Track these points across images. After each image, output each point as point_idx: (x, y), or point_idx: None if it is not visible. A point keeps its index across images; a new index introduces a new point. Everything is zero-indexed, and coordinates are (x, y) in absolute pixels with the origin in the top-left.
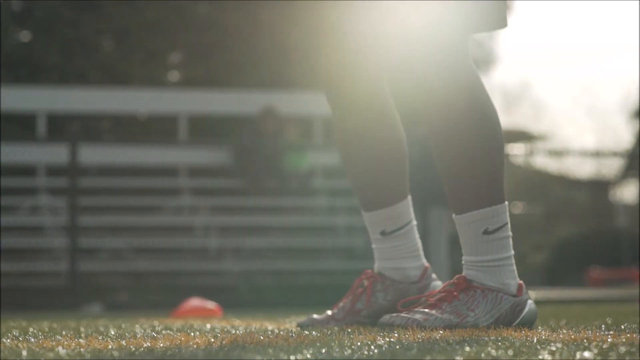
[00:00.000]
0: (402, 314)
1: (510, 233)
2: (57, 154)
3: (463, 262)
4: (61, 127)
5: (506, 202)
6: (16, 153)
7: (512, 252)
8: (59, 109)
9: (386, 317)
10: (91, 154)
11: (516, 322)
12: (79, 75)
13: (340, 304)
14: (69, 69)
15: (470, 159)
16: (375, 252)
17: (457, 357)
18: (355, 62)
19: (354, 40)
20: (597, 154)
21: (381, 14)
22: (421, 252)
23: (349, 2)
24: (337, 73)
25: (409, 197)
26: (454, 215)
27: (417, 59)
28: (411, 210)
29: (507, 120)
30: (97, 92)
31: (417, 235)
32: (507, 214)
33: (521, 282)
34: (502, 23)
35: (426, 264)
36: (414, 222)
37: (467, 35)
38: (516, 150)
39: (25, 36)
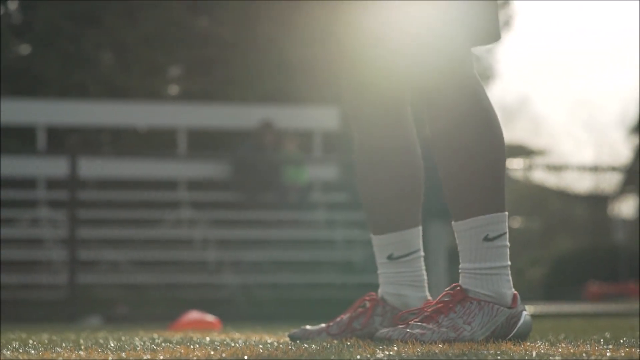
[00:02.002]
0: (399, 328)
1: (508, 243)
2: (56, 166)
3: (460, 269)
4: (61, 140)
5: (506, 212)
6: (16, 166)
7: (509, 262)
8: (59, 122)
9: (383, 332)
10: (91, 167)
11: (512, 334)
12: (79, 88)
13: (338, 319)
14: (68, 82)
15: (474, 164)
16: (380, 277)
17: None
18: (378, 84)
19: (371, 60)
20: (595, 169)
21: (386, 28)
22: (425, 285)
23: (351, 16)
24: (360, 95)
25: (420, 227)
26: (454, 222)
27: (423, 67)
28: (420, 240)
29: (505, 135)
30: (97, 105)
31: (423, 267)
32: (507, 223)
33: (516, 292)
34: (497, 36)
35: (429, 297)
36: (422, 253)
37: (471, 45)
38: (515, 165)
39: (25, 49)
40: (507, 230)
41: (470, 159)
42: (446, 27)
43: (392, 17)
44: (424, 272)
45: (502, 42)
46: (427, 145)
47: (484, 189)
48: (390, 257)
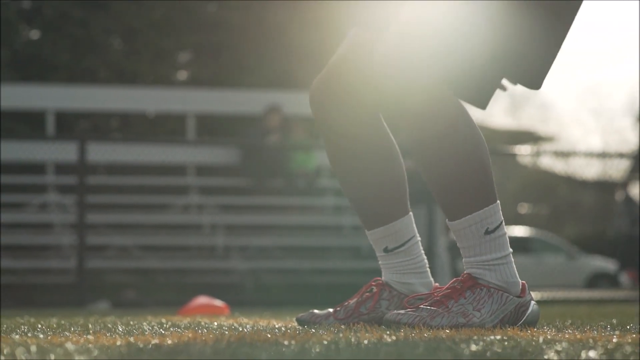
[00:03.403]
0: (409, 311)
1: (506, 230)
2: (65, 152)
3: (464, 263)
4: (70, 125)
5: (498, 201)
6: (25, 151)
7: (511, 250)
8: (68, 108)
9: (393, 314)
10: (100, 152)
11: (520, 323)
12: (88, 73)
13: (345, 304)
14: (78, 67)
15: (462, 165)
16: (382, 267)
17: (464, 356)
18: (350, 82)
19: (343, 67)
20: (603, 156)
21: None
22: (427, 269)
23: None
24: (326, 99)
25: (411, 214)
26: (450, 222)
27: (397, 84)
28: (413, 226)
29: (514, 121)
30: (106, 90)
31: (421, 251)
32: (501, 212)
33: (524, 282)
34: (536, 84)
35: (434, 283)
36: (418, 238)
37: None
38: (523, 151)
39: (34, 34)
40: (502, 218)
41: (457, 162)
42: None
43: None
44: (424, 257)
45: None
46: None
47: (475, 186)
48: (386, 250)
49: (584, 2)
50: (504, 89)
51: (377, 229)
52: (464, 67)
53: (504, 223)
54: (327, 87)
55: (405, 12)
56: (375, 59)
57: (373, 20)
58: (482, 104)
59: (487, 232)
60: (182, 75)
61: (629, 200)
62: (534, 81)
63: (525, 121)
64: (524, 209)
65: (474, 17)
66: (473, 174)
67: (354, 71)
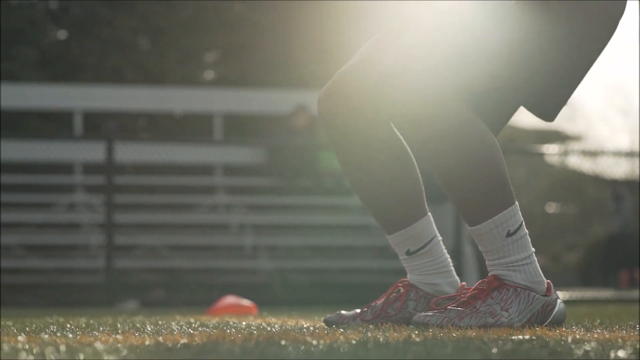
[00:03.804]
0: (436, 313)
1: (526, 230)
2: (93, 151)
3: (488, 266)
4: (98, 125)
5: (516, 202)
6: (53, 151)
7: (533, 249)
8: (96, 107)
9: (420, 316)
10: (127, 152)
11: (547, 322)
12: (115, 73)
13: (372, 304)
14: (105, 67)
15: (477, 171)
16: (406, 269)
17: (493, 356)
18: (361, 89)
19: (352, 72)
20: (631, 155)
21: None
22: (452, 268)
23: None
24: (334, 107)
25: (429, 214)
26: (470, 227)
27: (405, 100)
28: (434, 226)
29: (541, 121)
30: (133, 90)
31: (444, 251)
32: (520, 212)
33: (549, 281)
34: (549, 117)
35: (460, 282)
36: (439, 238)
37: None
38: (550, 151)
39: (62, 35)
40: (522, 218)
41: (472, 169)
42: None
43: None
44: (447, 256)
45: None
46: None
47: (492, 190)
48: (408, 253)
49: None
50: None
51: (397, 233)
52: (481, 87)
53: (524, 223)
54: (335, 94)
55: (418, 21)
56: (381, 68)
57: (399, 20)
58: (494, 131)
59: (509, 235)
60: (209, 75)
61: (619, 198)
62: (550, 113)
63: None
64: (551, 208)
65: (498, 36)
66: (489, 179)
67: (362, 80)
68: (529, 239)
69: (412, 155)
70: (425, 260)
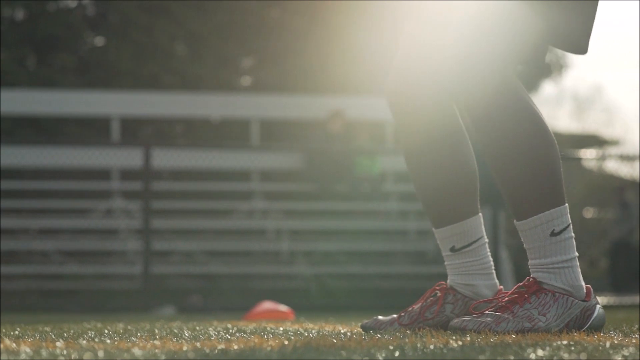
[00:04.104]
0: (474, 317)
1: (573, 234)
2: (131, 157)
3: (530, 266)
4: (135, 131)
5: (567, 204)
6: (91, 157)
7: (577, 253)
8: (133, 114)
9: (458, 321)
10: (164, 158)
11: (586, 327)
12: (152, 79)
13: (409, 309)
14: (142, 73)
15: (530, 164)
16: (447, 268)
17: None
18: (422, 79)
19: (419, 55)
20: None
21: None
22: (493, 271)
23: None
24: (404, 89)
25: (480, 215)
26: (517, 221)
27: (465, 75)
28: (482, 227)
29: (579, 125)
30: (170, 96)
31: (488, 253)
32: (569, 215)
33: (589, 286)
34: (582, 49)
35: (499, 285)
36: (485, 240)
37: (516, 58)
38: (588, 155)
39: (99, 41)
40: (570, 221)
41: (525, 160)
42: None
43: (449, 13)
44: (490, 259)
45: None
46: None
47: (543, 186)
48: (453, 249)
49: None
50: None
51: (445, 227)
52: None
53: (571, 226)
54: (399, 85)
55: (458, 6)
56: (441, 58)
57: (431, 17)
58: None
59: (553, 234)
60: (246, 80)
61: (625, 205)
62: (582, 44)
63: (590, 125)
64: (589, 213)
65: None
66: (543, 175)
67: (424, 68)
68: (574, 243)
69: (474, 154)
70: (468, 260)
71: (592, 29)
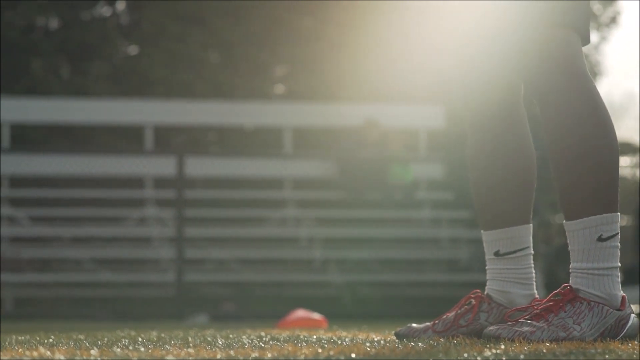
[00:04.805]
0: (508, 325)
1: (619, 244)
2: (164, 166)
3: (571, 269)
4: (168, 139)
5: (619, 213)
6: (124, 165)
7: (619, 264)
8: (166, 122)
9: (492, 329)
10: (197, 166)
11: (620, 336)
12: (185, 88)
13: (443, 317)
14: (175, 81)
15: (588, 162)
16: (488, 273)
17: None
18: (490, 82)
19: (482, 57)
20: None
21: (497, 24)
22: (533, 282)
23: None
24: (473, 92)
25: (531, 225)
26: (566, 221)
27: (535, 66)
28: (530, 238)
29: None
30: (203, 104)
31: (531, 264)
32: (619, 224)
33: (624, 295)
34: (586, 40)
35: (537, 295)
36: (531, 251)
37: (582, 43)
38: (622, 163)
39: (133, 50)
40: (619, 230)
41: (584, 157)
42: (557, 25)
43: (504, 15)
44: (532, 270)
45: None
46: (539, 146)
47: (598, 187)
48: (497, 254)
49: None
50: None
51: (495, 230)
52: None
53: (619, 236)
54: (470, 87)
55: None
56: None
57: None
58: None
59: (600, 239)
60: (279, 88)
61: None
62: (586, 36)
63: (624, 132)
64: (624, 221)
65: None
66: (602, 179)
67: (492, 71)
68: (619, 254)
69: (535, 161)
70: (510, 267)
71: (590, 15)
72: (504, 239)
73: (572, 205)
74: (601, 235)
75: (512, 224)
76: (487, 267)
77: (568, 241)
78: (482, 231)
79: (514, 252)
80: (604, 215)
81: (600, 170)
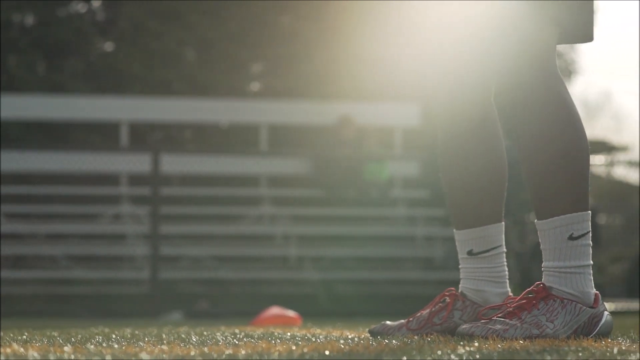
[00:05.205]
0: (482, 323)
1: (591, 242)
2: (139, 163)
3: (543, 268)
4: (144, 136)
5: (590, 211)
6: (99, 162)
7: (592, 262)
8: (142, 119)
9: (466, 327)
10: (173, 164)
11: (593, 334)
12: (162, 85)
13: (418, 314)
14: (152, 79)
15: (559, 162)
16: (461, 272)
17: None
18: (462, 81)
19: (455, 56)
20: None
21: (469, 23)
22: (506, 280)
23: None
24: (447, 88)
25: (503, 223)
26: (537, 220)
27: (506, 65)
28: (502, 236)
29: (587, 131)
30: (180, 102)
31: (504, 262)
32: (590, 222)
33: (597, 292)
34: (588, 37)
35: (510, 293)
36: (504, 249)
37: (557, 43)
38: (596, 161)
39: (108, 46)
40: (590, 229)
41: (555, 157)
42: (530, 24)
43: (476, 14)
44: (505, 268)
45: (593, 42)
46: (511, 145)
47: (569, 187)
48: (470, 253)
49: None
50: None
51: (467, 230)
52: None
53: (590, 234)
54: (441, 87)
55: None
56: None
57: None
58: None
59: (572, 238)
60: (255, 86)
61: None
62: (587, 32)
63: (599, 131)
64: (598, 219)
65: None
66: (573, 178)
67: (463, 71)
68: (590, 251)
69: (506, 162)
70: (483, 266)
71: (594, 13)
72: (477, 238)
73: (543, 205)
74: (572, 234)
75: (485, 223)
76: (460, 266)
77: (540, 240)
78: (454, 230)
79: (487, 250)
80: (575, 214)
81: (570, 169)
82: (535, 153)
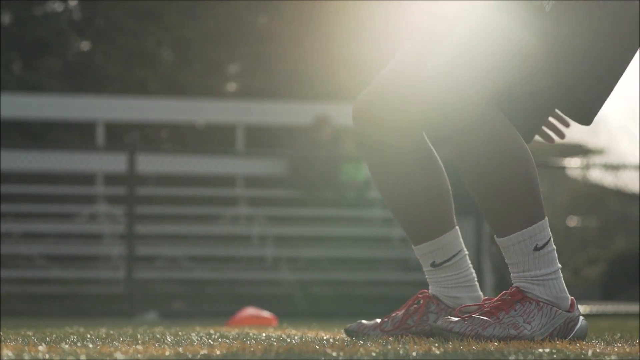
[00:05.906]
0: (461, 320)
1: (554, 246)
2: (115, 162)
3: (512, 278)
4: (120, 136)
5: (546, 217)
6: (75, 161)
7: (560, 265)
8: (118, 119)
9: (445, 321)
10: (149, 163)
11: (568, 338)
12: (139, 85)
13: (392, 315)
14: (129, 78)
15: (508, 182)
16: (429, 281)
17: None
18: (386, 102)
19: (385, 80)
20: None
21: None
22: (476, 283)
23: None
24: (370, 114)
25: (457, 228)
26: (498, 238)
27: (441, 91)
28: (460, 240)
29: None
30: (156, 101)
31: (469, 265)
32: (549, 228)
33: (572, 297)
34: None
35: (482, 296)
36: (465, 252)
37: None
38: (572, 164)
39: (85, 46)
40: (551, 234)
41: (504, 180)
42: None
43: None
44: (472, 271)
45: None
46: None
47: (523, 203)
48: (433, 265)
49: None
50: (550, 139)
51: (423, 244)
52: (516, 91)
53: (552, 239)
54: (372, 101)
55: (464, 25)
56: (425, 72)
57: (434, 27)
58: (529, 137)
59: (537, 249)
60: (232, 86)
61: None
62: (587, 115)
63: (575, 134)
64: (573, 222)
65: (532, 40)
66: (521, 192)
67: (401, 86)
68: (556, 255)
69: (442, 168)
70: (450, 274)
71: (603, 103)
72: (436, 250)
73: (500, 225)
74: (537, 245)
75: (440, 234)
76: (427, 277)
77: (504, 255)
78: (412, 246)
79: (449, 259)
80: (535, 225)
81: (520, 185)
82: (479, 178)
